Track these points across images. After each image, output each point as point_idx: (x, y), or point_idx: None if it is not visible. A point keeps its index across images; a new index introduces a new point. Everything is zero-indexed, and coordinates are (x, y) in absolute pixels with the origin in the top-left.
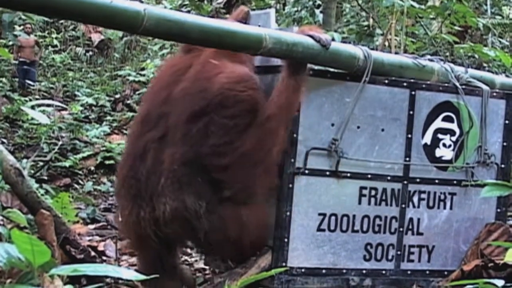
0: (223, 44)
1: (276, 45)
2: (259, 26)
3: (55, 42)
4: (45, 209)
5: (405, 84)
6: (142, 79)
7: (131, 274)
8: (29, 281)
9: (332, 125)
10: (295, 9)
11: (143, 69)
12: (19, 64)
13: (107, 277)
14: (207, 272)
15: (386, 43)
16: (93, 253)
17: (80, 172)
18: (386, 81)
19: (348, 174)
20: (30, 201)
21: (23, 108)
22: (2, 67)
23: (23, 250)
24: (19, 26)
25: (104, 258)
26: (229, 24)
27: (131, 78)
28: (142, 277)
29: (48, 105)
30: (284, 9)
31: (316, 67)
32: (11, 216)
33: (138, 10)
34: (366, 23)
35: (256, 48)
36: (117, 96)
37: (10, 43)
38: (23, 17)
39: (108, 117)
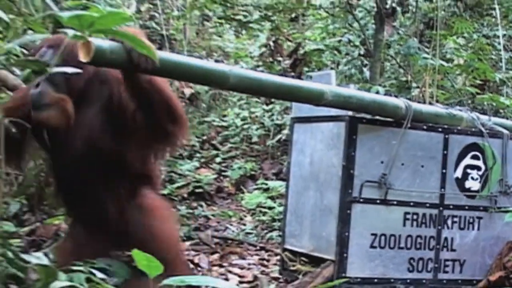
0: (293, 97)
1: (334, 97)
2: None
3: None
4: None
5: (440, 129)
6: (224, 124)
7: (227, 285)
8: None
9: (382, 162)
10: (347, 67)
11: (225, 116)
12: None
13: (206, 287)
14: (280, 280)
15: (421, 95)
16: (191, 265)
17: (176, 198)
18: (425, 127)
19: (395, 202)
20: None
21: None
22: None
23: (141, 265)
24: None
25: (199, 269)
26: (297, 81)
27: (215, 123)
28: (235, 286)
29: None
30: (338, 68)
31: (368, 116)
32: None
33: (225, 70)
34: (404, 78)
35: (319, 100)
36: (204, 137)
37: None
38: None
39: (198, 154)
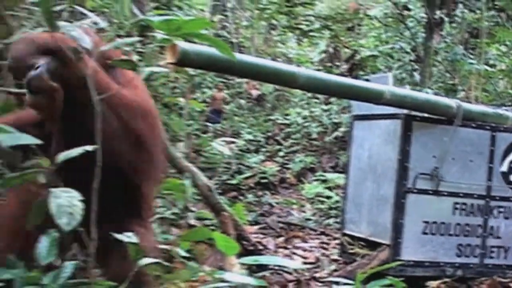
0: (355, 96)
1: (392, 97)
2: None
3: (226, 95)
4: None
5: (487, 127)
6: (287, 122)
7: (294, 264)
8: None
9: (434, 157)
10: (399, 71)
11: (287, 114)
12: (211, 112)
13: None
14: (340, 262)
15: (466, 97)
16: (260, 247)
17: (243, 187)
18: (474, 125)
19: (446, 193)
20: (218, 209)
21: (212, 143)
22: (193, 113)
23: (220, 245)
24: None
25: (266, 250)
26: (359, 82)
27: (279, 121)
28: (301, 265)
29: (224, 140)
30: (390, 72)
31: (421, 115)
32: (203, 215)
33: (294, 71)
34: (450, 82)
35: (378, 98)
36: (269, 134)
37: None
38: (208, 79)
39: (263, 149)
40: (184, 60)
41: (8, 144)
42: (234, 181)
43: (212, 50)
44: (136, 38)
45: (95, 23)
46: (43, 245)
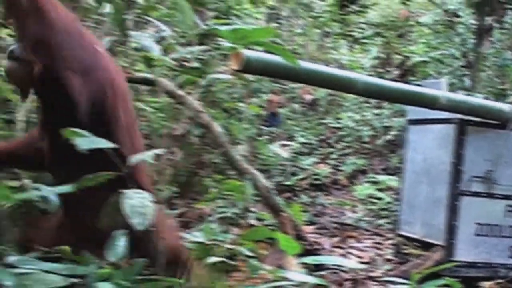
0: (411, 101)
1: (448, 102)
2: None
3: (281, 99)
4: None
5: None
6: (339, 125)
7: (352, 263)
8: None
9: (487, 160)
10: (449, 77)
11: (339, 118)
12: (268, 115)
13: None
14: (394, 261)
15: None
16: (316, 246)
17: (297, 188)
18: None
19: (498, 196)
20: (277, 209)
21: (269, 146)
22: (250, 117)
23: (283, 245)
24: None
25: (323, 250)
26: (415, 87)
27: (331, 125)
28: (358, 265)
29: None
30: (440, 77)
31: (475, 119)
32: (263, 216)
33: (353, 77)
34: (500, 87)
35: (433, 104)
36: (322, 137)
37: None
38: (265, 84)
39: (316, 152)
40: (248, 67)
41: (84, 147)
42: (288, 182)
43: (273, 57)
44: (201, 47)
45: (160, 31)
46: (115, 243)
